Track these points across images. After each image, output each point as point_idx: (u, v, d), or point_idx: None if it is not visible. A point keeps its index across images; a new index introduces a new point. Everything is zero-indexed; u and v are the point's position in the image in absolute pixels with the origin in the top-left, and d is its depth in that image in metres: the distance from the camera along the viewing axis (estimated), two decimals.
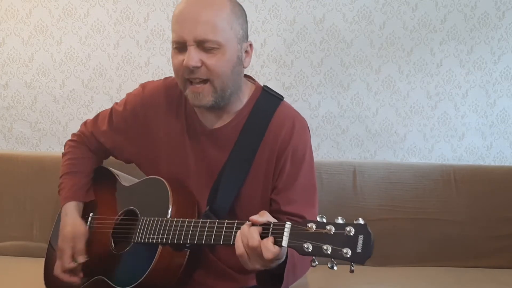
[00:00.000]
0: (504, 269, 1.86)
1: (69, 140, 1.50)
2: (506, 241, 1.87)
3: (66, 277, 1.32)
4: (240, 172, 1.24)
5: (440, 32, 1.97)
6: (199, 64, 1.14)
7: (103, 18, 1.96)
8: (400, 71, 2.01)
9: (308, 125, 1.32)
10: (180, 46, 1.16)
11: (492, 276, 1.80)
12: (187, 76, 1.17)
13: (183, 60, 1.15)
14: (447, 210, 1.87)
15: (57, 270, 1.33)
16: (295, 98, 2.02)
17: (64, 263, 1.31)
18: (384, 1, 1.95)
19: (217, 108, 1.23)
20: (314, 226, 0.92)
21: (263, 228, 0.98)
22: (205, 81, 1.17)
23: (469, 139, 2.07)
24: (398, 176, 1.88)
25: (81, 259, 1.31)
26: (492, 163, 2.09)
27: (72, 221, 1.35)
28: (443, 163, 2.01)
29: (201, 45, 1.14)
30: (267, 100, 1.28)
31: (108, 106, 1.96)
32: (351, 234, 0.89)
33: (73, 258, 1.32)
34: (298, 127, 1.26)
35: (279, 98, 1.30)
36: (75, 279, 1.32)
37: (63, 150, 1.50)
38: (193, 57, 1.13)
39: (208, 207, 1.24)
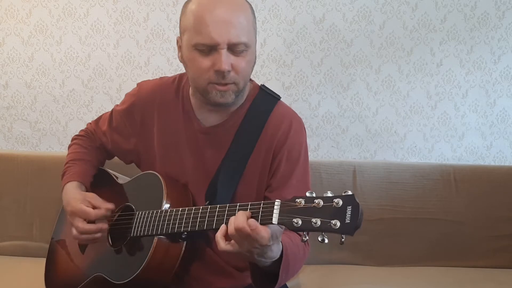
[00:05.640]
0: (504, 269, 1.86)
1: (76, 135, 1.52)
2: (506, 241, 1.87)
3: (90, 237, 1.26)
4: (237, 170, 1.25)
5: (440, 32, 1.97)
6: (230, 68, 1.13)
7: (103, 18, 1.96)
8: (400, 71, 2.01)
9: (308, 125, 1.33)
10: (207, 49, 1.13)
11: (491, 276, 1.80)
12: (215, 80, 1.15)
13: (210, 64, 1.13)
14: (447, 210, 1.87)
15: (78, 233, 1.26)
16: (295, 98, 2.02)
17: (79, 226, 1.24)
18: (384, 1, 1.95)
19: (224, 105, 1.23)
20: (303, 201, 0.92)
21: (253, 207, 0.99)
22: None
23: (469, 139, 2.07)
24: (398, 176, 1.88)
25: (110, 205, 1.27)
26: (492, 163, 2.09)
27: (77, 192, 1.31)
28: (443, 163, 2.01)
29: (232, 48, 1.12)
30: (264, 100, 1.29)
31: (108, 106, 1.97)
32: (339, 206, 0.88)
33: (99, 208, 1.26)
34: (295, 127, 1.27)
35: (276, 97, 1.30)
36: (99, 235, 1.27)
37: (63, 150, 1.50)
38: (226, 61, 1.12)
39: (207, 202, 1.25)
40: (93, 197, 1.29)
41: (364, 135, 2.07)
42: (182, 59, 1.22)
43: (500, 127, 2.06)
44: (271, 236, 0.96)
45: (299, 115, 1.33)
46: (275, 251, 1.03)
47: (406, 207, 1.87)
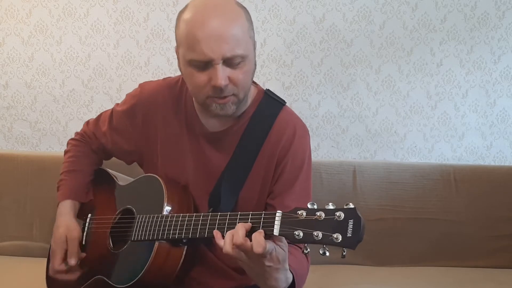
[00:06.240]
0: (504, 269, 1.86)
1: (71, 139, 1.50)
2: (506, 241, 1.88)
3: (61, 277, 1.32)
4: (240, 176, 1.24)
5: (440, 32, 1.97)
6: (227, 82, 1.10)
7: (103, 18, 1.96)
8: (400, 71, 2.01)
9: (308, 125, 1.32)
10: (202, 65, 1.10)
11: (491, 276, 1.80)
12: (214, 95, 1.12)
13: (207, 79, 1.10)
14: (447, 210, 1.87)
15: (50, 271, 1.33)
16: (295, 98, 2.02)
17: (54, 265, 1.31)
18: (384, 1, 1.95)
19: None
20: (304, 213, 0.91)
21: (254, 217, 0.98)
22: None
23: (469, 139, 2.08)
24: (398, 176, 1.88)
25: (73, 261, 1.30)
26: (492, 163, 2.09)
27: (66, 222, 1.34)
28: (443, 163, 2.01)
29: (228, 61, 1.09)
30: (269, 105, 1.27)
31: (108, 106, 1.97)
32: (341, 219, 0.88)
33: (65, 260, 1.31)
34: (299, 134, 1.26)
35: (281, 102, 1.29)
36: (71, 277, 1.32)
37: (63, 150, 1.50)
38: (223, 76, 1.09)
39: (211, 209, 1.24)
40: (73, 242, 1.33)
41: (364, 135, 2.07)
42: (181, 71, 1.21)
43: (500, 127, 2.07)
44: (270, 254, 0.95)
45: (299, 115, 1.33)
46: (281, 280, 1.01)
47: (406, 207, 1.87)
